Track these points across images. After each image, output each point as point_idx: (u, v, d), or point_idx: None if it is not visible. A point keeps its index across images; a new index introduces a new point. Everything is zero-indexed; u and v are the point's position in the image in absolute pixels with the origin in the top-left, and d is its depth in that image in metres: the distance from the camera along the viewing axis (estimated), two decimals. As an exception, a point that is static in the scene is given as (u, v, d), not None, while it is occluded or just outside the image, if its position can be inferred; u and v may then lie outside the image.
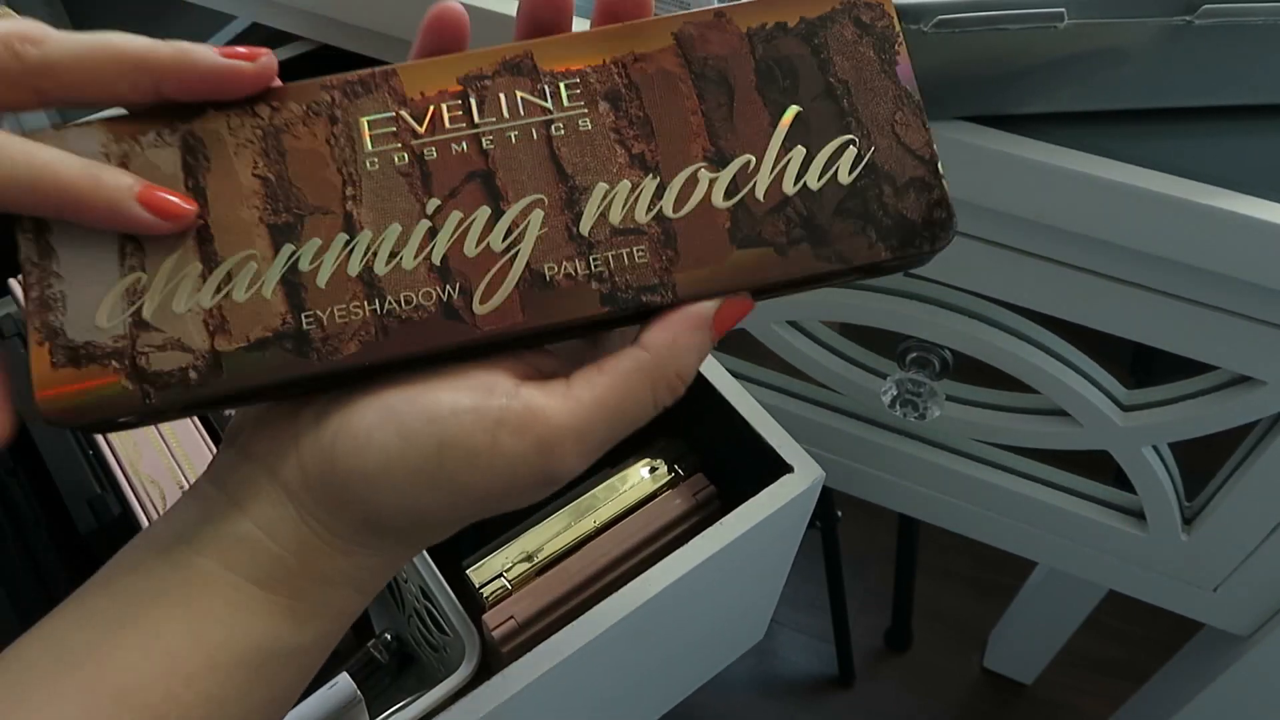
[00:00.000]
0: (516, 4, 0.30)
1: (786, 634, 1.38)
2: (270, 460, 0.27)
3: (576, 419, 0.26)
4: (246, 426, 0.29)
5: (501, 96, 0.29)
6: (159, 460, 0.50)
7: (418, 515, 0.27)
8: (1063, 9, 0.42)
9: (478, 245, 0.28)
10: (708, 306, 0.28)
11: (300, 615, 0.27)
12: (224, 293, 0.27)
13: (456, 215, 0.28)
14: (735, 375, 0.50)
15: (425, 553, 0.48)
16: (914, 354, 0.66)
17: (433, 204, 0.28)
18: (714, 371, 0.50)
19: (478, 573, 0.47)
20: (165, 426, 0.52)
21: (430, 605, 0.48)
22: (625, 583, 0.43)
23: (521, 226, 0.28)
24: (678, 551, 0.44)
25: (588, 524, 0.48)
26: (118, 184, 0.26)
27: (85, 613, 0.26)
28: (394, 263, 0.28)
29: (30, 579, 0.48)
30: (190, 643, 0.26)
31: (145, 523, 0.48)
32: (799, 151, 0.29)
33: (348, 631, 0.54)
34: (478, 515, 0.28)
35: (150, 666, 0.25)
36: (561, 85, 0.29)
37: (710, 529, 0.44)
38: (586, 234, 0.28)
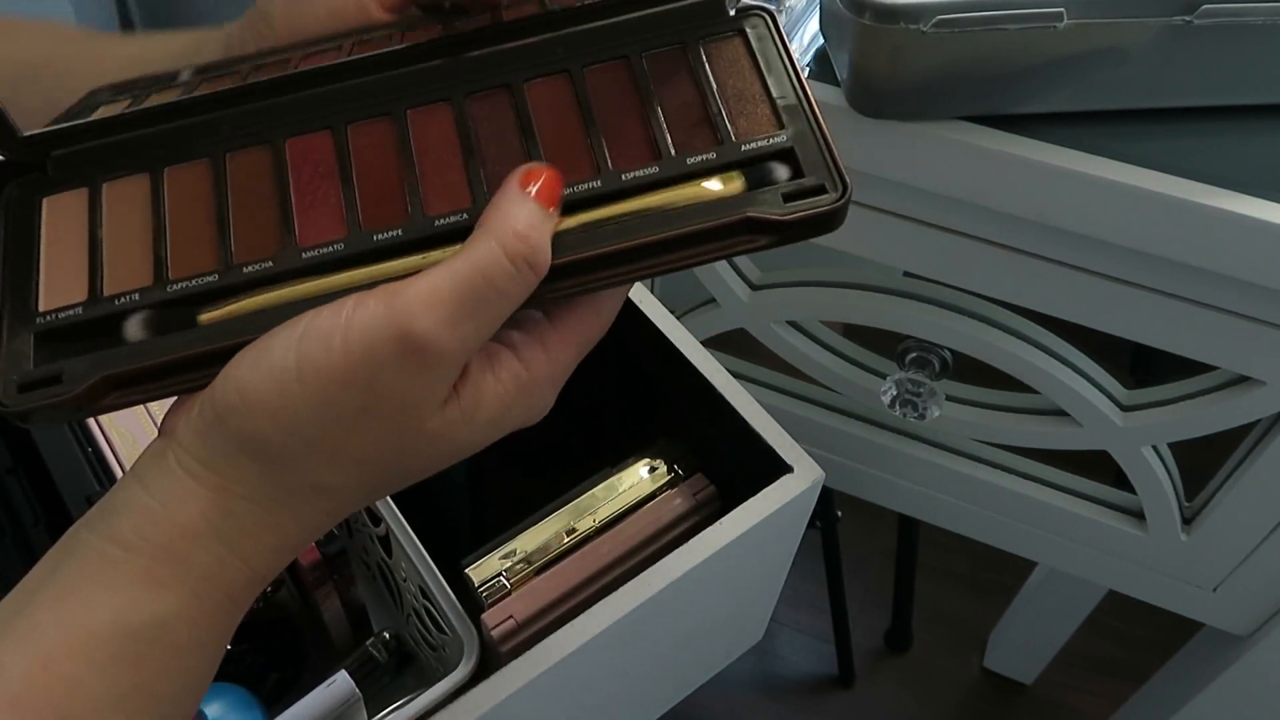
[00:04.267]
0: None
1: (786, 634, 1.38)
2: (171, 425, 0.28)
3: (425, 282, 0.26)
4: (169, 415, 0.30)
5: None
6: (158, 459, 0.50)
7: (289, 425, 0.26)
8: (1062, 9, 0.42)
9: None
10: (512, 177, 0.28)
11: (160, 579, 0.26)
12: None
13: None
14: (735, 375, 0.50)
15: (424, 551, 0.48)
16: (914, 354, 0.66)
17: None
18: (714, 371, 0.50)
19: (477, 572, 0.47)
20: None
21: (429, 604, 0.48)
22: (624, 582, 0.43)
23: None
24: (677, 551, 0.44)
25: (587, 524, 0.48)
26: None
27: None
28: None
29: (30, 578, 0.48)
30: (54, 624, 0.26)
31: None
32: None
33: (347, 630, 0.54)
34: (355, 431, 0.27)
35: (17, 655, 0.25)
36: None
37: (710, 529, 0.44)
38: None
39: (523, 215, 0.27)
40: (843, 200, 0.30)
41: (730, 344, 0.69)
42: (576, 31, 0.34)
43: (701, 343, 0.51)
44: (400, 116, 0.32)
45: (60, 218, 0.31)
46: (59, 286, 0.30)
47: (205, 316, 0.29)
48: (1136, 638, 1.32)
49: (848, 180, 0.30)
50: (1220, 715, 0.78)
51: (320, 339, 0.26)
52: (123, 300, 0.29)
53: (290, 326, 0.27)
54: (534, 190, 0.28)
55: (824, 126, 0.31)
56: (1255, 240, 0.44)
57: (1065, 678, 1.31)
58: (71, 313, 0.29)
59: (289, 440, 0.27)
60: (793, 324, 0.67)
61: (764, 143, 0.31)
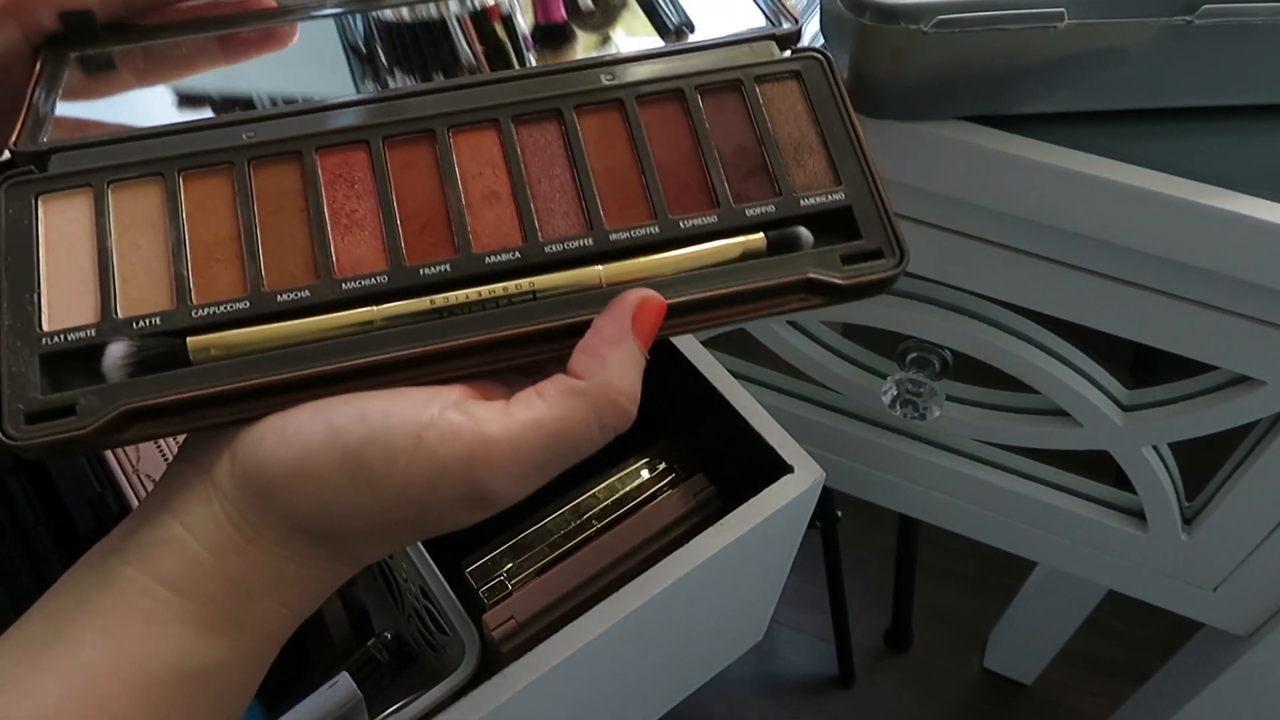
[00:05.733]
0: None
1: (786, 634, 1.38)
2: (206, 461, 0.27)
3: (511, 435, 0.25)
4: (194, 437, 0.29)
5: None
6: (158, 459, 0.50)
7: (336, 517, 0.26)
8: (1063, 9, 0.42)
9: None
10: (621, 316, 0.27)
11: (214, 626, 0.26)
12: None
13: None
14: (735, 375, 0.50)
15: (425, 552, 0.48)
16: (914, 354, 0.66)
17: None
18: (714, 371, 0.50)
19: (477, 572, 0.47)
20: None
21: (430, 605, 0.48)
22: (625, 583, 0.43)
23: None
24: (678, 551, 0.44)
25: (588, 524, 0.48)
26: None
27: (16, 641, 0.26)
28: None
29: (30, 578, 0.48)
30: (106, 662, 0.25)
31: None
32: None
33: (348, 631, 0.54)
34: (400, 530, 0.27)
35: (66, 689, 0.25)
36: None
37: (710, 529, 0.44)
38: None
39: (628, 380, 0.26)
40: (900, 268, 0.29)
41: (730, 344, 0.69)
42: (626, 58, 0.32)
43: (702, 343, 0.51)
44: (442, 136, 0.31)
45: (62, 223, 0.29)
46: (66, 303, 0.28)
47: (195, 341, 0.27)
48: (1136, 638, 1.32)
49: (905, 246, 0.29)
50: (1220, 715, 0.78)
51: (384, 454, 0.25)
52: (142, 324, 0.27)
53: (355, 419, 0.26)
54: (639, 335, 0.27)
55: (880, 184, 0.30)
56: (1255, 240, 0.44)
57: (1065, 678, 1.31)
58: (82, 335, 0.27)
59: (336, 528, 0.26)
60: (793, 324, 0.67)
61: (822, 199, 0.30)
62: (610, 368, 0.26)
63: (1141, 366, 1.26)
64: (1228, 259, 0.46)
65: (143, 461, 0.50)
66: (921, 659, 1.35)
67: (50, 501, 0.50)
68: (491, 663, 0.45)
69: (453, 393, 0.27)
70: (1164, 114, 0.47)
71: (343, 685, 0.45)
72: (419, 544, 0.48)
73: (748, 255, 0.29)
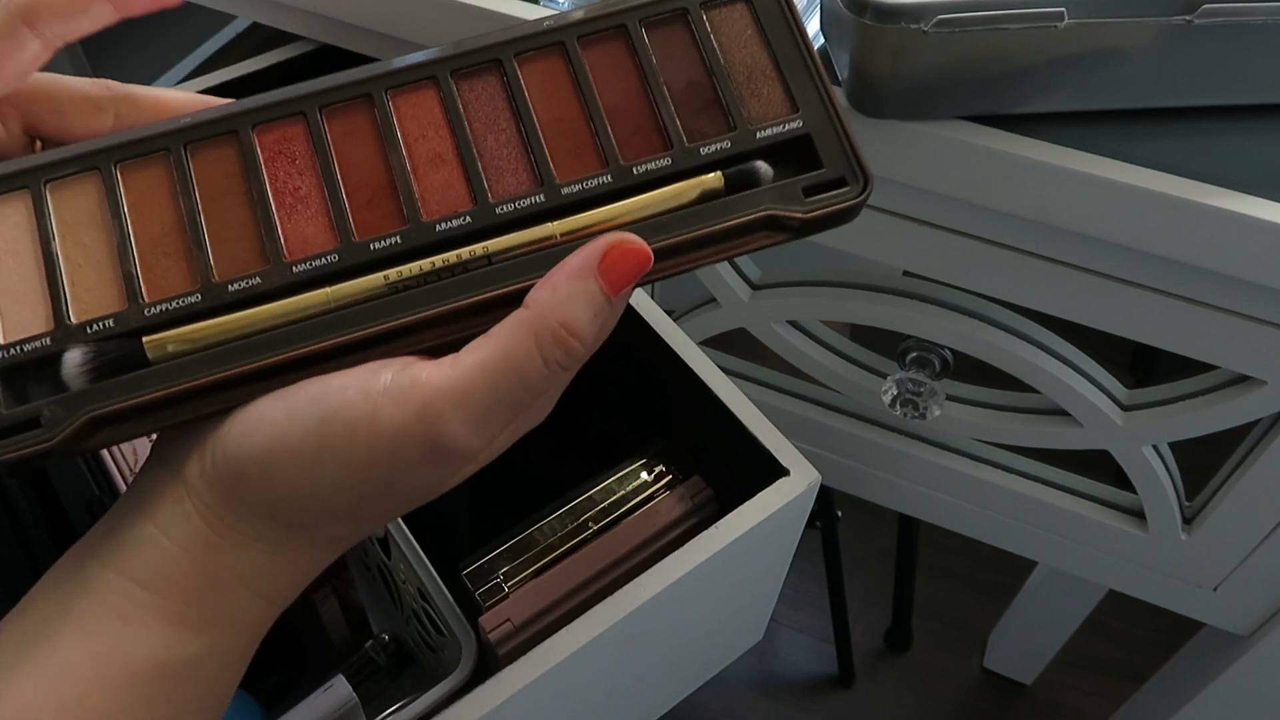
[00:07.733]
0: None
1: (786, 634, 1.37)
2: (178, 461, 0.27)
3: (457, 383, 0.25)
4: (165, 437, 0.29)
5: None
6: (156, 462, 0.50)
7: (309, 498, 0.26)
8: (1063, 9, 0.42)
9: None
10: (589, 253, 0.26)
11: (191, 622, 0.26)
12: None
13: None
14: (734, 375, 0.50)
15: (423, 554, 0.48)
16: (914, 354, 0.65)
17: None
18: (711, 374, 0.50)
19: (474, 575, 0.47)
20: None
21: (428, 607, 0.48)
22: (622, 585, 0.43)
23: None
24: (674, 554, 0.44)
25: (585, 526, 0.48)
26: None
27: None
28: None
29: (29, 581, 0.48)
30: (84, 661, 0.25)
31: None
32: None
33: (346, 632, 0.54)
34: (374, 504, 0.27)
35: (46, 689, 0.25)
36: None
37: (706, 532, 0.44)
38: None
39: (575, 314, 0.25)
40: (864, 195, 0.28)
41: (730, 344, 0.69)
42: None
43: (702, 342, 0.51)
44: (380, 100, 0.29)
45: (3, 229, 0.28)
46: (17, 313, 0.27)
47: (151, 340, 0.27)
48: (1136, 638, 1.32)
49: (869, 171, 0.28)
50: (1220, 715, 0.78)
51: (345, 428, 0.25)
52: (96, 327, 0.27)
53: (312, 400, 0.26)
54: (605, 277, 0.26)
55: (839, 109, 0.29)
56: (1255, 240, 0.44)
57: (1065, 678, 1.31)
58: (38, 344, 0.27)
59: (309, 510, 0.27)
60: (793, 324, 0.67)
61: (779, 129, 0.29)
62: (558, 297, 0.26)
63: (1141, 366, 1.26)
64: (1228, 259, 0.46)
65: (140, 465, 0.50)
66: (921, 659, 1.35)
67: (49, 505, 0.50)
68: (489, 665, 0.45)
69: (402, 358, 0.27)
70: (1164, 114, 0.47)
71: (338, 689, 0.45)
72: (416, 545, 0.48)
73: (705, 196, 0.28)
